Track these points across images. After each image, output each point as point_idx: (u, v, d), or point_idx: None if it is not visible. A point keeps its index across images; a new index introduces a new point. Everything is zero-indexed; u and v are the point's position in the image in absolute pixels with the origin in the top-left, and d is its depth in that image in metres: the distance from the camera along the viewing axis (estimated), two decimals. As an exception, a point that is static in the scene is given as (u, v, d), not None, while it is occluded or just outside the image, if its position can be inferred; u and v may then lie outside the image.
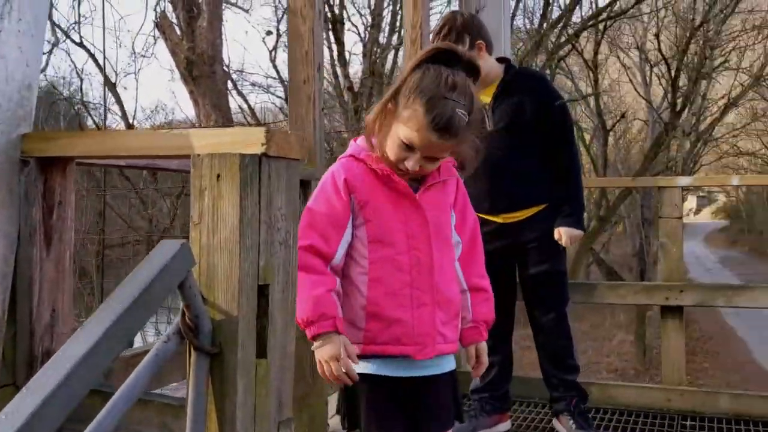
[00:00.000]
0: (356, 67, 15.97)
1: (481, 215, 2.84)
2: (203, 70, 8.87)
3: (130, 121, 13.62)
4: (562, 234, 2.77)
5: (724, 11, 15.96)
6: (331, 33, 13.76)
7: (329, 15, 13.45)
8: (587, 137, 22.88)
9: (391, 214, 1.64)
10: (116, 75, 14.17)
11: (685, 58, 16.50)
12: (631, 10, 15.18)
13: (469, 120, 1.60)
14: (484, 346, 1.76)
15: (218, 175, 1.20)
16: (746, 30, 17.46)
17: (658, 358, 11.47)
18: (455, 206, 1.75)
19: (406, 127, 1.57)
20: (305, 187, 3.01)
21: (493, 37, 3.35)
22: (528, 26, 15.72)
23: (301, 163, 1.33)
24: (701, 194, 48.63)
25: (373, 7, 13.77)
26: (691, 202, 44.02)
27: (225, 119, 9.13)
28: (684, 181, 3.40)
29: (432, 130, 1.54)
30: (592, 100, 19.26)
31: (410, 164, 1.59)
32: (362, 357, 1.61)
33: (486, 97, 2.79)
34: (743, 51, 18.18)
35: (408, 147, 1.58)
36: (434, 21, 3.41)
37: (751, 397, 3.27)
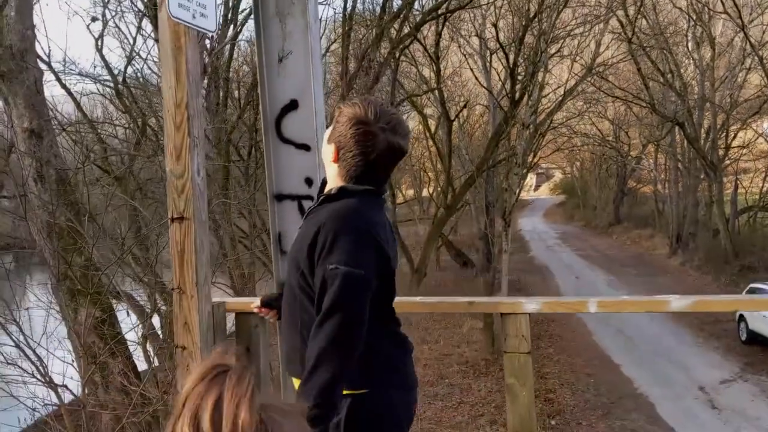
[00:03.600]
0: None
1: None
2: (12, 65, 7.67)
3: None
4: None
5: (557, 2, 16.30)
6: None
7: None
8: (432, 125, 23.01)
9: None
10: None
11: (522, 48, 16.76)
12: (470, 3, 15.10)
13: None
14: None
15: None
16: (577, 20, 18.05)
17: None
18: None
19: None
20: None
21: (303, 90, 2.72)
22: (369, 15, 15.25)
23: None
24: (540, 171, 51.07)
25: None
26: (531, 179, 46.12)
27: (42, 119, 7.91)
28: (531, 306, 2.79)
29: None
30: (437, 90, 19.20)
31: None
32: None
33: None
34: (577, 42, 18.83)
35: None
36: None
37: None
